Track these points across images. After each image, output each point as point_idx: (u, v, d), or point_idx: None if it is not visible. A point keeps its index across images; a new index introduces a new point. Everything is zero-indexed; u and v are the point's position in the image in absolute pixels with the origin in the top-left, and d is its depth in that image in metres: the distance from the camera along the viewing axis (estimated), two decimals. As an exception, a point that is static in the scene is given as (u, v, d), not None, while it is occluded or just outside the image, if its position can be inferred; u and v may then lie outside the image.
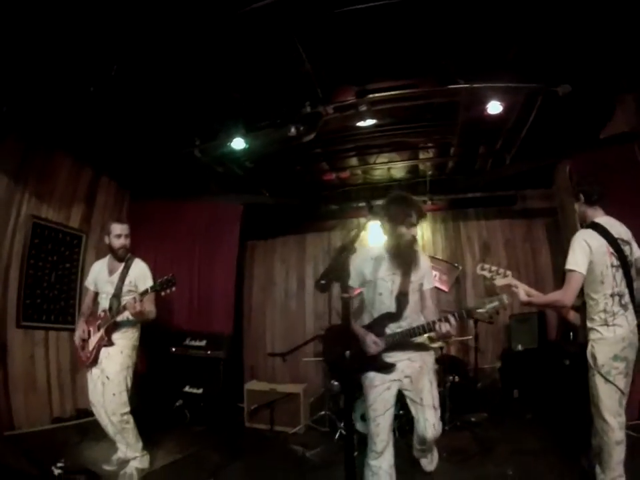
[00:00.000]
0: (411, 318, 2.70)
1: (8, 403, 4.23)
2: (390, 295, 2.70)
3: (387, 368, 2.67)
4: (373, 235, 5.60)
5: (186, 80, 4.08)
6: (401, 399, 2.83)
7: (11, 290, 4.43)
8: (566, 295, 2.64)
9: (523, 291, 2.76)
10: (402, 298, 2.69)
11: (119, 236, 3.65)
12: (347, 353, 2.04)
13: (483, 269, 2.97)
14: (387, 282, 2.71)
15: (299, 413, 4.90)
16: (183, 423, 4.91)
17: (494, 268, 2.92)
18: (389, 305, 2.70)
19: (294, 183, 6.43)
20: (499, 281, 2.87)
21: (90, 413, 4.74)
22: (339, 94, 4.37)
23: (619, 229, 2.75)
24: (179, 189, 5.91)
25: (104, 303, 3.64)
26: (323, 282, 2.00)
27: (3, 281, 4.36)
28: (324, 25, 3.61)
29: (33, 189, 4.64)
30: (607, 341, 2.61)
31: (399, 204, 2.73)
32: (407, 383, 2.70)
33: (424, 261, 2.84)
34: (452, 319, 2.54)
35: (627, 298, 2.67)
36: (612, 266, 2.65)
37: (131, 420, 3.51)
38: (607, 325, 2.62)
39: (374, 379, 2.70)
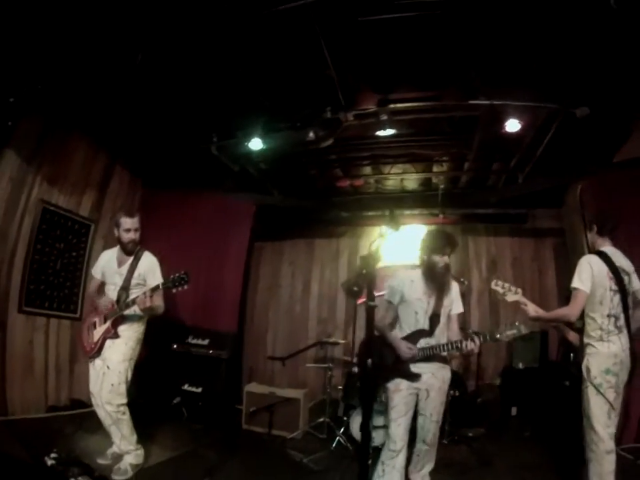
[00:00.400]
0: (439, 337, 3.00)
1: (3, 388, 4.18)
2: (425, 314, 3.01)
3: (413, 377, 2.94)
4: (393, 244, 5.60)
5: (208, 75, 4.07)
6: None
7: (15, 274, 4.38)
8: (572, 310, 2.96)
9: (532, 308, 3.05)
10: (434, 318, 3.01)
11: (128, 230, 3.55)
12: (369, 361, 2.12)
13: (496, 284, 3.19)
14: (423, 302, 3.02)
15: (297, 418, 4.83)
16: (180, 421, 4.85)
17: (506, 285, 3.14)
18: (423, 323, 3.01)
19: (306, 186, 6.42)
20: (510, 297, 3.11)
21: (85, 404, 4.71)
22: (360, 101, 4.38)
23: (621, 259, 3.03)
24: (192, 182, 5.89)
25: (111, 294, 3.57)
26: (355, 289, 2.06)
27: (8, 264, 4.31)
28: (351, 31, 3.64)
29: (46, 172, 4.61)
30: (600, 355, 2.89)
31: (434, 236, 3.14)
32: (424, 396, 2.96)
33: (455, 288, 3.17)
34: (477, 340, 2.87)
35: (621, 321, 2.93)
36: (610, 289, 2.94)
37: (127, 412, 3.45)
38: (602, 341, 2.90)
39: (400, 383, 2.96)
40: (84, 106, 4.49)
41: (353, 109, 4.37)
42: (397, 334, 3.06)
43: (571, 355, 4.72)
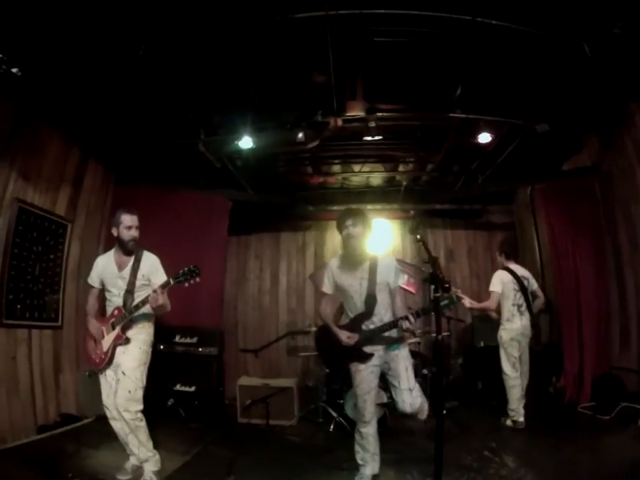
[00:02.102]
0: (380, 314, 3.16)
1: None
2: (359, 297, 3.17)
3: (366, 357, 3.16)
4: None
5: (201, 71, 4.13)
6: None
7: (-7, 283, 3.96)
8: (490, 303, 4.61)
9: (467, 300, 4.26)
10: (369, 299, 3.13)
11: (129, 227, 3.39)
12: (439, 336, 2.60)
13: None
14: (355, 286, 3.17)
15: (292, 406, 5.02)
16: (177, 422, 4.82)
17: (456, 290, 4.10)
18: (360, 307, 3.17)
19: (276, 182, 6.53)
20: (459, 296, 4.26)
21: (76, 418, 4.60)
22: (350, 107, 4.62)
23: (520, 270, 4.69)
24: (166, 179, 5.74)
25: (116, 300, 3.40)
26: (447, 285, 2.47)
27: (-17, 272, 3.91)
28: (357, 46, 3.92)
29: (19, 170, 4.18)
30: (507, 330, 4.54)
31: (338, 216, 3.24)
32: (387, 368, 3.20)
33: (386, 263, 3.23)
34: (411, 318, 3.00)
35: (523, 308, 4.54)
36: (514, 289, 4.57)
37: (144, 418, 3.31)
38: (509, 321, 4.55)
39: (358, 365, 3.20)
40: (57, 98, 4.22)
41: (342, 113, 4.60)
42: (344, 321, 3.28)
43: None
